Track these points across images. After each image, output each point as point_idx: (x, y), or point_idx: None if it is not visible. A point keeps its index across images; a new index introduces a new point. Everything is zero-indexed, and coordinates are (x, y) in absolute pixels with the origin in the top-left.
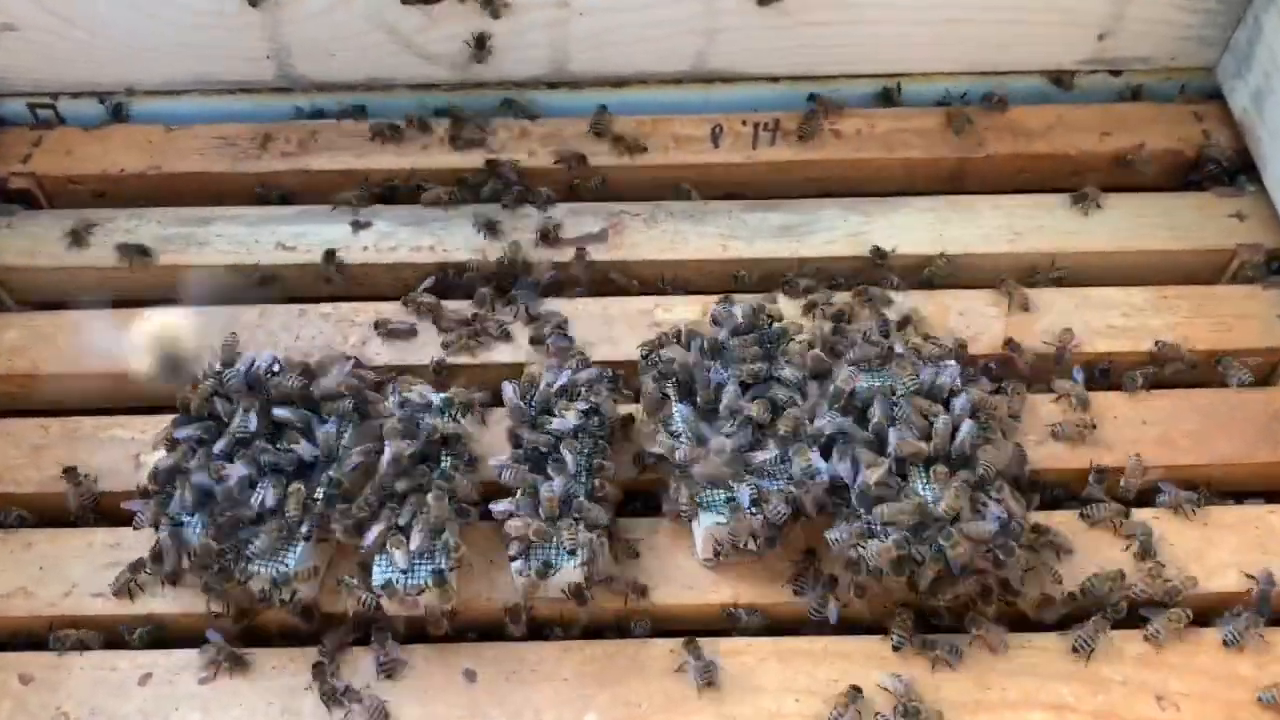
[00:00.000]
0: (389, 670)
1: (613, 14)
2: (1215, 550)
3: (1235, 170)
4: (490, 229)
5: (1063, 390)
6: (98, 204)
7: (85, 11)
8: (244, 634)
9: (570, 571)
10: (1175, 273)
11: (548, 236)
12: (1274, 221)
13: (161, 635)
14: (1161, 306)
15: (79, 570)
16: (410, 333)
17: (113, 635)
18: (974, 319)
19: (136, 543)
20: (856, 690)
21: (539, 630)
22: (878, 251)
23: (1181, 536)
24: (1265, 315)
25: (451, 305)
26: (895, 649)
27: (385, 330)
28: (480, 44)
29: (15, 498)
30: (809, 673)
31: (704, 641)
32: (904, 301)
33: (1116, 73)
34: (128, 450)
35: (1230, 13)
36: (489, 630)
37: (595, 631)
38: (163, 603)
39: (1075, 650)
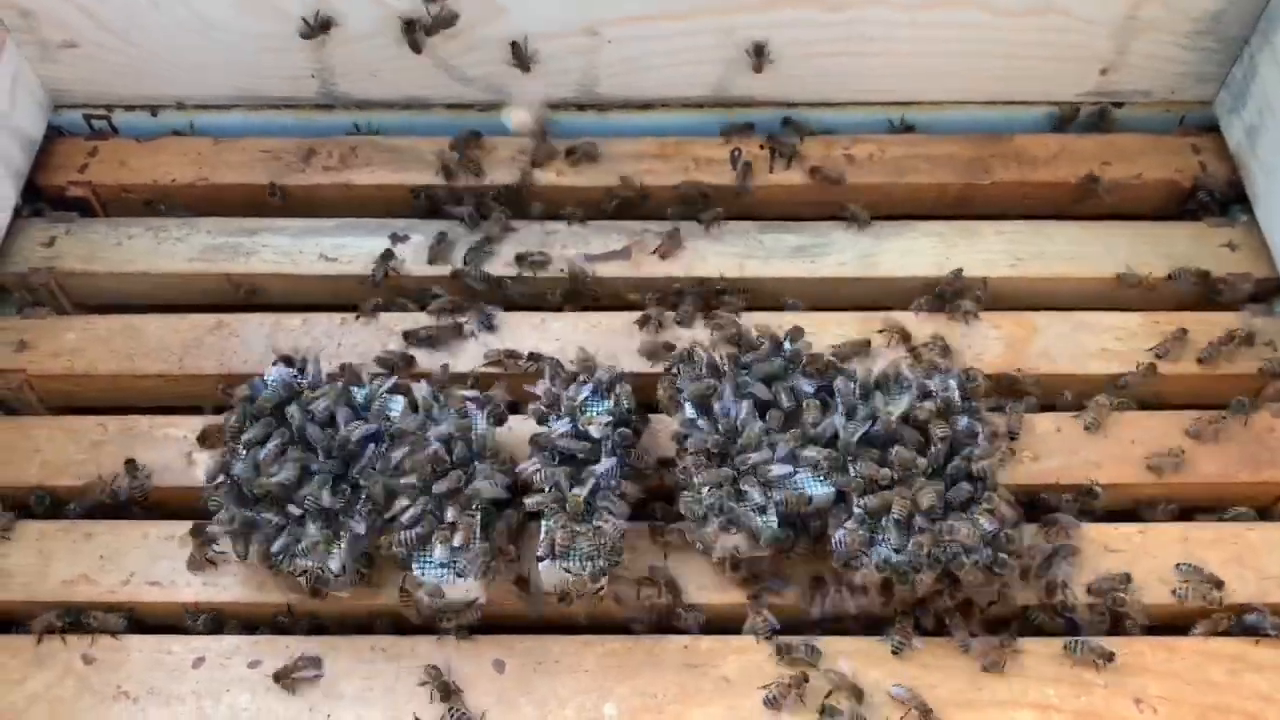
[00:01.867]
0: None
1: (638, 43)
2: (1197, 565)
3: (1229, 200)
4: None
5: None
6: (149, 213)
7: (141, 30)
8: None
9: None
10: (1168, 299)
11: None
12: (1264, 251)
13: (217, 623)
14: (1153, 330)
15: (137, 560)
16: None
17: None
18: (975, 339)
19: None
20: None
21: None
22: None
23: (1165, 551)
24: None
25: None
26: (894, 652)
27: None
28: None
29: (76, 490)
30: (815, 670)
31: (714, 639)
32: (910, 321)
33: (1118, 104)
34: (180, 448)
35: (1227, 51)
36: (517, 624)
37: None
38: (215, 591)
39: (1066, 649)
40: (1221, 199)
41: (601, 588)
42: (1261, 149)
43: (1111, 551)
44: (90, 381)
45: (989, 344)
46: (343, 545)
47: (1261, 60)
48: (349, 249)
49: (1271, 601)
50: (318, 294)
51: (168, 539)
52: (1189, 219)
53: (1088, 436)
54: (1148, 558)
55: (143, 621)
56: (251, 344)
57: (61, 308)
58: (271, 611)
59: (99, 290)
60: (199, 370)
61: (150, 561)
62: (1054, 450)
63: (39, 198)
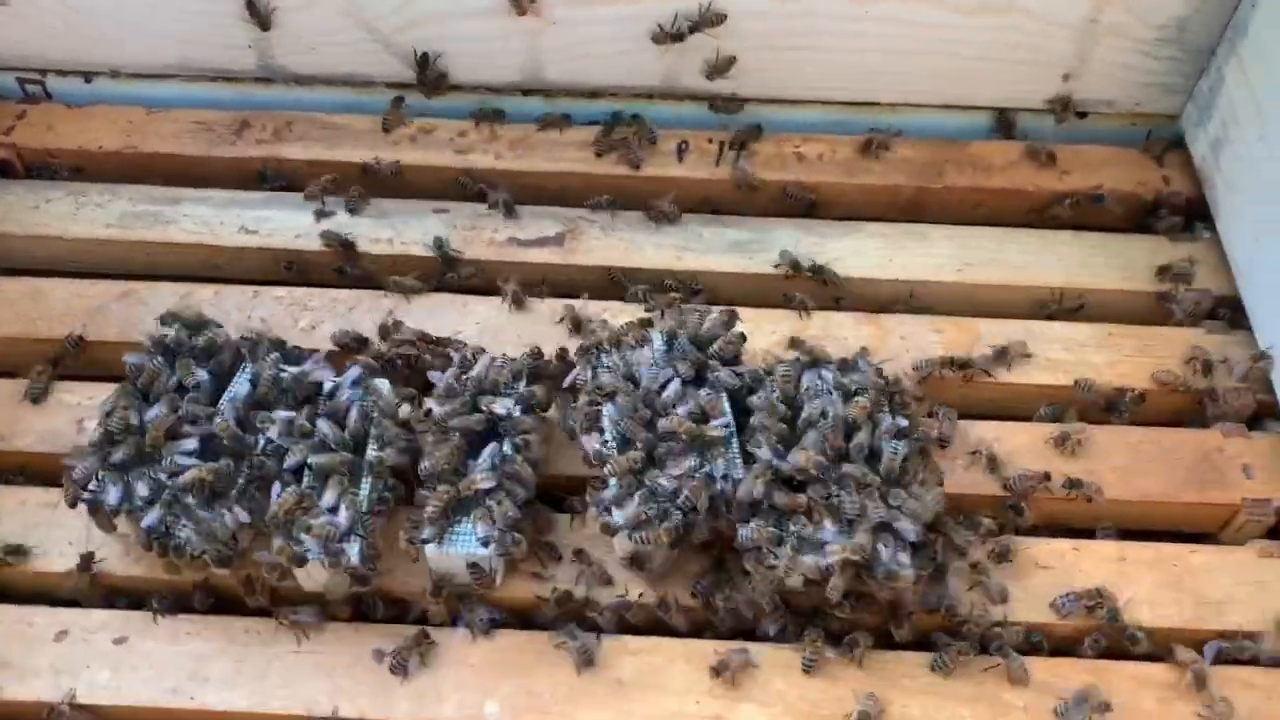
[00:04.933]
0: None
1: (584, 26)
2: (1131, 585)
3: (1193, 217)
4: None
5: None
6: (74, 178)
7: None
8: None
9: (482, 556)
10: (1123, 312)
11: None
12: (1224, 267)
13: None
14: (1105, 343)
15: (10, 526)
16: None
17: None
18: (915, 342)
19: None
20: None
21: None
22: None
23: (1098, 569)
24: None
25: None
26: (805, 670)
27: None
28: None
29: None
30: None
31: (612, 640)
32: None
33: (1082, 114)
34: (72, 415)
35: (1194, 62)
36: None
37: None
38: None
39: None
40: (1185, 214)
41: (491, 577)
42: (1225, 163)
43: (1042, 568)
44: None
45: (930, 348)
46: (225, 517)
47: (1228, 71)
48: (270, 222)
49: (1209, 628)
50: (236, 267)
51: (47, 506)
52: (1149, 234)
53: (1025, 447)
54: (1081, 575)
55: (7, 592)
56: (159, 313)
57: None
58: (145, 587)
59: (10, 253)
60: (101, 337)
61: (24, 529)
62: (985, 452)
63: None
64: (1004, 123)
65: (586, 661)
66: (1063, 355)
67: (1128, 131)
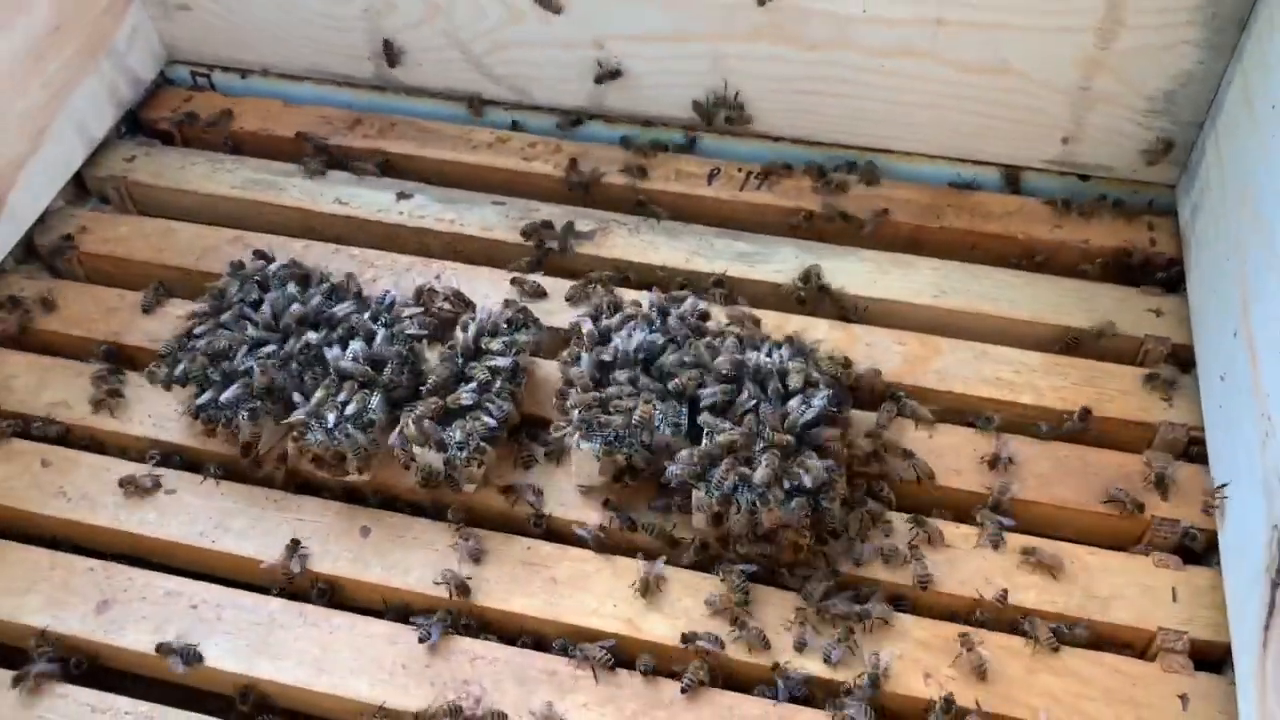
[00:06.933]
0: None
1: (637, 61)
2: (1024, 573)
3: (1177, 279)
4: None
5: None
6: (218, 149)
7: (240, 2)
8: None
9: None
10: (1084, 353)
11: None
12: (1188, 322)
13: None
14: (1053, 370)
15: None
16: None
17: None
18: (877, 351)
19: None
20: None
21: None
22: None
23: (1000, 556)
24: (1148, 395)
25: None
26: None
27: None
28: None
29: (87, 341)
30: (634, 588)
31: (554, 546)
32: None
33: (1085, 178)
34: (174, 324)
35: (1185, 135)
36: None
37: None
38: (161, 432)
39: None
40: (1168, 275)
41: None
42: (1199, 224)
43: (946, 545)
44: (125, 265)
45: (888, 356)
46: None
47: (1208, 143)
48: (360, 198)
49: (1090, 618)
50: (327, 230)
51: (138, 386)
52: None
53: (956, 448)
54: (979, 558)
55: (101, 444)
56: None
57: (126, 209)
58: (204, 457)
59: (159, 201)
60: (209, 269)
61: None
62: (915, 449)
63: (138, 127)
64: (1011, 179)
65: (475, 560)
66: (1011, 376)
67: (1131, 198)
